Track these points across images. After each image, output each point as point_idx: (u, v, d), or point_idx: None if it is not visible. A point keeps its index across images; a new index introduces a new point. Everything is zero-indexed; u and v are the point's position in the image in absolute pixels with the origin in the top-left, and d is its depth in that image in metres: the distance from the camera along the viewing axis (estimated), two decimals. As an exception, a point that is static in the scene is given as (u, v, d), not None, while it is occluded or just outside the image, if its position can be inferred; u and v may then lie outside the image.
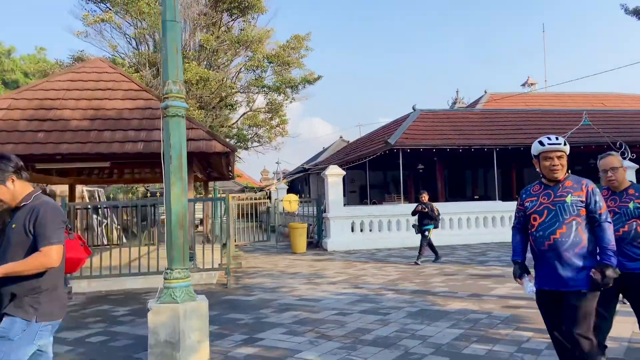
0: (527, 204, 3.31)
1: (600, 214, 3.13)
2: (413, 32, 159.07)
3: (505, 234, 15.40)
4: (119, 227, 16.75)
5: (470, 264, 10.55)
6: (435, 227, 11.18)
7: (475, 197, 26.08)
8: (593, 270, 3.03)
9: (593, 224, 3.14)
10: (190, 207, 7.78)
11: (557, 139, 3.23)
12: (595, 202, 3.14)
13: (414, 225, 11.43)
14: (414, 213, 11.28)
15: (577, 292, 3.04)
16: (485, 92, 31.53)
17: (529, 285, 3.32)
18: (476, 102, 31.20)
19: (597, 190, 3.21)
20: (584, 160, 20.02)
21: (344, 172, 14.96)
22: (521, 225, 3.40)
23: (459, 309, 6.21)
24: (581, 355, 2.98)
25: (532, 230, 3.23)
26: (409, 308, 6.38)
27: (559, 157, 3.20)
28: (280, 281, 9.04)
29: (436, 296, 7.11)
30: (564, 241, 3.08)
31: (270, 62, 22.45)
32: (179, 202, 4.63)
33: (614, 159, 3.85)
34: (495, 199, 20.98)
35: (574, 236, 3.08)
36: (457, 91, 60.13)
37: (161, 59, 4.77)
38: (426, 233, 10.99)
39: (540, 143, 3.24)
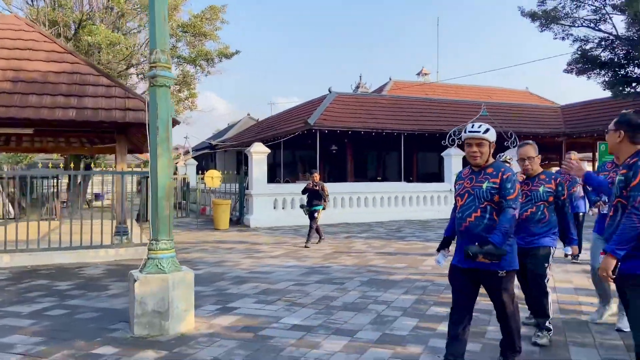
0: (456, 187, 3.52)
1: (507, 200, 3.26)
2: (317, 17, 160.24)
3: (409, 212, 16.64)
4: (6, 199, 15.41)
5: (391, 239, 11.38)
6: (323, 208, 10.71)
7: (378, 178, 27.58)
8: (477, 243, 3.19)
9: (500, 207, 3.29)
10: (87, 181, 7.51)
11: (479, 126, 3.34)
12: (506, 188, 3.27)
13: (302, 206, 10.95)
14: (304, 191, 10.74)
15: (494, 273, 3.25)
16: (390, 79, 33.08)
17: (439, 259, 3.62)
18: (381, 88, 32.65)
19: (513, 177, 3.31)
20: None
21: (268, 150, 15.12)
22: (456, 205, 3.53)
23: (403, 279, 6.84)
24: (506, 331, 3.36)
25: (457, 211, 3.46)
26: (359, 278, 6.88)
27: (478, 145, 3.32)
28: (219, 256, 9.10)
29: (377, 267, 7.71)
30: (477, 224, 3.27)
31: (185, 32, 21.63)
32: (166, 174, 4.62)
33: (530, 149, 4.34)
34: (393, 181, 22.55)
35: (487, 220, 3.27)
36: (360, 76, 61.96)
37: (148, 27, 4.65)
38: (315, 214, 10.50)
39: (465, 129, 3.40)
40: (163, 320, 4.38)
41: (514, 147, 18.89)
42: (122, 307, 5.39)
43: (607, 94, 19.79)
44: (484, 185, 3.30)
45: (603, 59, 18.51)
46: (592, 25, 18.76)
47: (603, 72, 18.76)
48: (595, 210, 4.89)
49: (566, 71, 19.54)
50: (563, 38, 18.84)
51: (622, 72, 17.99)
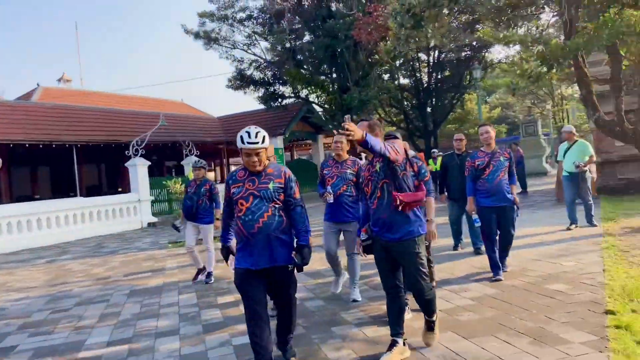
0: (233, 190, 3.45)
1: (295, 199, 3.49)
2: None
3: (100, 227, 15.89)
4: None
5: (105, 255, 10.92)
6: None
7: (35, 196, 24.63)
8: (294, 252, 3.41)
9: (289, 207, 3.48)
10: None
11: (256, 136, 3.33)
12: (291, 187, 3.48)
13: None
14: None
15: (284, 267, 3.41)
16: (38, 85, 29.70)
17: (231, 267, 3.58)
18: (29, 94, 28.96)
19: (294, 177, 3.55)
20: (154, 155, 22.69)
21: None
22: (230, 209, 3.56)
23: (163, 283, 7.12)
24: (288, 319, 3.58)
25: (241, 214, 3.39)
26: (118, 293, 6.76)
27: (257, 154, 3.36)
28: None
29: (124, 280, 7.64)
30: (270, 223, 3.36)
31: None
32: None
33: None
34: (59, 197, 20.76)
35: (277, 218, 3.41)
36: (-14, 80, 52.36)
37: None
38: None
39: (241, 139, 3.34)
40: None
41: (192, 154, 20.37)
42: None
43: (260, 106, 23.59)
44: (270, 186, 3.40)
45: (256, 77, 22.02)
46: (245, 48, 22.03)
47: (256, 89, 22.30)
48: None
49: (228, 87, 22.29)
50: (227, 58, 21.46)
51: (271, 89, 21.84)
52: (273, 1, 20.65)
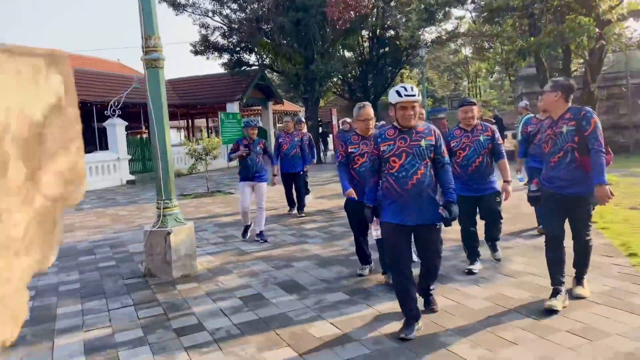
0: (383, 148, 3.47)
1: (444, 157, 3.52)
2: None
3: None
4: None
5: (118, 205, 12.14)
6: None
7: None
8: (441, 208, 3.43)
9: (437, 165, 3.50)
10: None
11: (412, 89, 3.40)
12: (441, 145, 3.51)
13: None
14: None
15: (432, 225, 3.47)
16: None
17: (375, 232, 3.71)
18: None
19: (441, 135, 3.60)
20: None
21: None
22: (375, 168, 3.60)
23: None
24: (435, 270, 3.69)
25: (393, 171, 3.42)
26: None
27: (413, 107, 3.39)
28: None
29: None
30: (423, 180, 3.37)
31: None
32: (169, 144, 5.36)
33: (370, 111, 4.48)
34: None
35: (429, 176, 3.42)
36: None
37: (143, 15, 5.06)
38: None
39: (398, 93, 3.39)
40: (192, 261, 5.35)
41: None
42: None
43: (208, 71, 24.49)
44: (423, 143, 3.42)
45: (220, 44, 22.95)
46: (210, 15, 22.83)
47: (220, 55, 23.23)
48: None
49: (191, 52, 23.03)
50: (195, 24, 22.11)
51: (236, 57, 22.90)
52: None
